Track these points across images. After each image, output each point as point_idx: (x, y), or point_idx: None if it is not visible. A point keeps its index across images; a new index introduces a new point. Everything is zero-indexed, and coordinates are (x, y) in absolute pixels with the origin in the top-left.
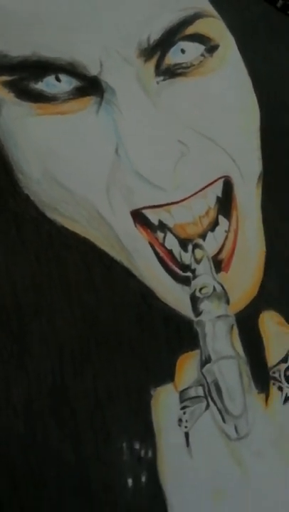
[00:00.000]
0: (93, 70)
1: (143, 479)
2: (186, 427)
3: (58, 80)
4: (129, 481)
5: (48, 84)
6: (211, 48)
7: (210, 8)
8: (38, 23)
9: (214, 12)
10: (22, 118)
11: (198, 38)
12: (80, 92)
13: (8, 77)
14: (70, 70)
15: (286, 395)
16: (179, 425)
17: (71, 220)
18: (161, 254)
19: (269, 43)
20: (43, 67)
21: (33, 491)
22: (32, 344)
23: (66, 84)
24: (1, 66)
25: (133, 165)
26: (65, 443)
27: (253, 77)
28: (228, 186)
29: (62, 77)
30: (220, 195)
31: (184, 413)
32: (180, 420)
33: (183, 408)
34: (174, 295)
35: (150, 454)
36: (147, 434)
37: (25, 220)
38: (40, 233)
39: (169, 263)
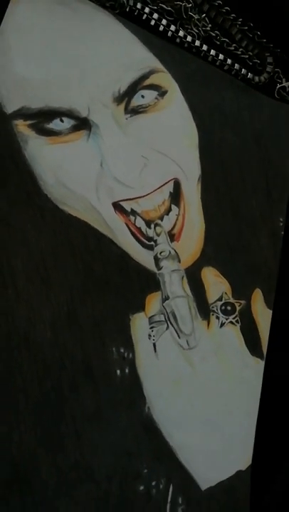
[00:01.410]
0: (84, 113)
1: (126, 371)
2: (153, 339)
3: (61, 121)
4: (118, 372)
5: (55, 124)
6: (162, 93)
7: (160, 66)
8: (47, 85)
9: (163, 68)
10: (40, 147)
11: (153, 87)
12: (76, 128)
13: (31, 121)
14: (69, 114)
15: (221, 322)
16: (149, 338)
17: (74, 209)
18: (133, 230)
19: (203, 87)
20: (51, 114)
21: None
22: (52, 285)
23: (67, 123)
24: (26, 115)
25: (112, 173)
26: (77, 347)
27: (192, 110)
28: (177, 185)
29: (64, 119)
30: (172, 191)
31: (152, 331)
32: (149, 335)
33: (151, 328)
34: (142, 257)
35: (131, 355)
36: (129, 343)
37: (46, 210)
38: (55, 218)
39: (138, 236)
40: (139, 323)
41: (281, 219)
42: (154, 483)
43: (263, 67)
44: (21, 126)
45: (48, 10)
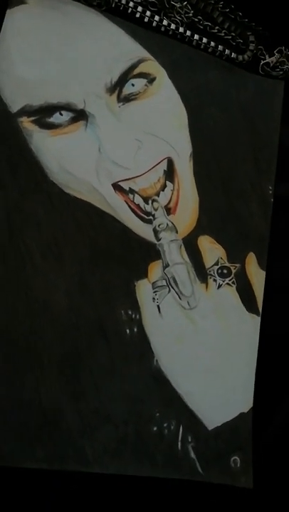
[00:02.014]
0: (80, 106)
1: (135, 330)
2: (157, 302)
3: (60, 114)
4: (127, 331)
5: (56, 118)
6: (151, 80)
7: (148, 55)
8: (45, 84)
9: (151, 57)
10: (44, 139)
11: (142, 75)
12: (74, 120)
13: (33, 117)
14: (67, 107)
15: (219, 283)
16: (153, 301)
17: (78, 192)
18: (133, 207)
19: (189, 70)
20: (51, 109)
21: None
22: (64, 260)
23: (66, 116)
24: (29, 112)
25: (109, 157)
26: (90, 311)
27: (180, 93)
28: (170, 163)
29: (63, 112)
30: (166, 168)
31: (156, 294)
32: (153, 298)
33: (154, 292)
34: (143, 230)
35: (138, 316)
36: (135, 306)
37: (53, 195)
38: (62, 202)
39: (138, 212)
40: (143, 288)
41: (270, 187)
42: (165, 425)
43: (246, 46)
44: (26, 123)
45: (41, 15)
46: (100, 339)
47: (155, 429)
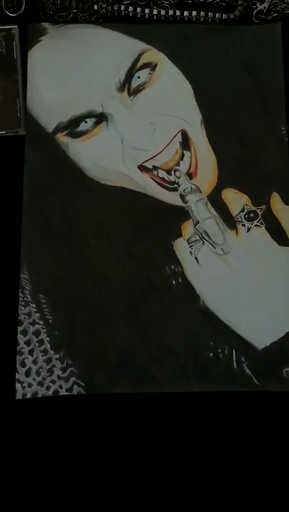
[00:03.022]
0: (99, 110)
1: (180, 280)
2: (194, 254)
3: (85, 122)
4: (173, 282)
5: (82, 126)
6: (153, 67)
7: (146, 46)
8: (69, 102)
9: (149, 46)
10: (77, 146)
11: (144, 65)
12: (97, 123)
13: (66, 131)
14: (89, 115)
15: (248, 227)
16: (190, 254)
17: (111, 181)
18: (158, 181)
19: (185, 46)
20: (78, 120)
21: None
22: (111, 237)
23: (90, 122)
24: (62, 128)
25: (131, 144)
26: (139, 271)
27: (181, 69)
28: (184, 134)
29: (87, 120)
30: (181, 140)
31: (192, 248)
32: (190, 252)
33: (190, 246)
34: (171, 198)
35: (180, 269)
36: (176, 261)
37: (93, 188)
38: (101, 191)
39: (164, 184)
40: (180, 245)
41: (283, 128)
42: (219, 351)
43: (236, 1)
44: (61, 137)
45: (54, 46)
46: (151, 292)
47: (211, 355)
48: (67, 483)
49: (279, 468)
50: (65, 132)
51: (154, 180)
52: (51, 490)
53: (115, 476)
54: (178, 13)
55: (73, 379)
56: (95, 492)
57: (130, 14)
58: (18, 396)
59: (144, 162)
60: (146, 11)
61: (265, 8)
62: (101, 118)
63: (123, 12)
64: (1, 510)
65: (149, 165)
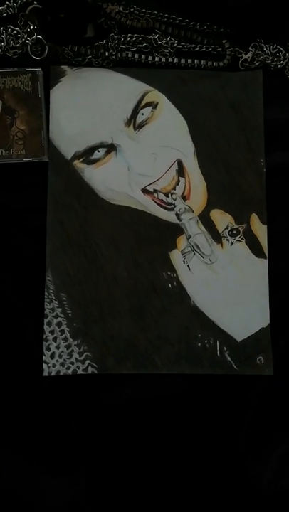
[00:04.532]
0: (109, 141)
1: (175, 284)
2: (187, 262)
3: (98, 151)
4: (170, 285)
5: (95, 155)
6: (155, 106)
7: (149, 87)
8: (85, 133)
9: (151, 88)
10: (92, 172)
11: (148, 104)
12: (107, 152)
13: (82, 158)
14: (101, 145)
15: (231, 241)
16: (184, 263)
17: (119, 201)
18: (158, 202)
19: (182, 88)
20: (92, 149)
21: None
22: (120, 247)
23: (102, 151)
24: (78, 155)
25: (136, 171)
26: (143, 276)
27: (178, 108)
28: (180, 163)
29: (99, 149)
30: (177, 168)
31: (184, 258)
32: (183, 261)
33: (183, 256)
34: (168, 216)
35: (175, 275)
36: (172, 269)
37: (105, 207)
38: (111, 210)
39: (162, 204)
40: (175, 255)
41: (261, 160)
42: (206, 341)
43: (224, 51)
44: (78, 164)
45: (72, 85)
46: (152, 293)
47: (199, 344)
48: (82, 444)
49: (250, 435)
50: (81, 160)
51: (154, 201)
52: (71, 447)
53: (119, 438)
54: (176, 60)
55: (88, 361)
56: (103, 451)
57: (136, 60)
58: (45, 374)
59: (146, 186)
60: (150, 57)
61: (249, 57)
62: (111, 148)
63: (130, 58)
64: (25, 459)
65: (150, 188)
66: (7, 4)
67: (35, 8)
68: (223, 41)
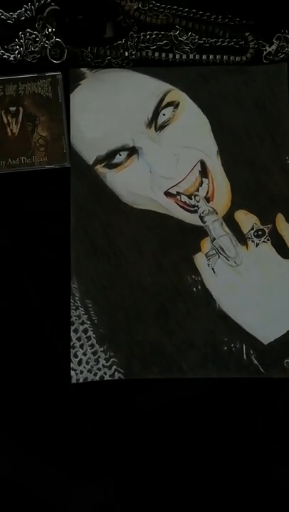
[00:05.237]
0: (131, 144)
1: (199, 287)
2: (211, 266)
3: (120, 155)
4: (194, 289)
5: (117, 159)
6: (176, 105)
7: (170, 86)
8: (106, 138)
9: (172, 87)
10: (114, 176)
11: (169, 104)
12: (129, 156)
13: (104, 163)
14: (123, 148)
15: (256, 243)
16: (208, 266)
17: (142, 205)
18: (181, 204)
19: (204, 85)
20: (113, 153)
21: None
22: (143, 251)
23: (123, 155)
24: (100, 160)
25: (158, 173)
26: (167, 280)
27: (200, 107)
28: (203, 164)
29: (121, 153)
30: (200, 169)
31: (209, 261)
32: (208, 264)
33: (208, 259)
34: (192, 219)
35: (200, 278)
36: (197, 272)
37: (127, 211)
38: (134, 213)
39: (185, 207)
40: (200, 259)
41: (287, 157)
42: (232, 345)
43: (247, 45)
44: (100, 169)
45: (92, 88)
46: (177, 297)
47: (225, 348)
48: (111, 450)
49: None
50: (102, 164)
51: (177, 204)
52: (101, 453)
53: (147, 443)
54: (197, 56)
55: (115, 367)
56: (132, 452)
57: (156, 58)
58: (73, 381)
59: (169, 189)
60: (170, 55)
61: (273, 50)
62: (133, 151)
63: (150, 57)
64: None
65: (173, 191)
66: (25, 7)
67: (53, 9)
68: (246, 34)
